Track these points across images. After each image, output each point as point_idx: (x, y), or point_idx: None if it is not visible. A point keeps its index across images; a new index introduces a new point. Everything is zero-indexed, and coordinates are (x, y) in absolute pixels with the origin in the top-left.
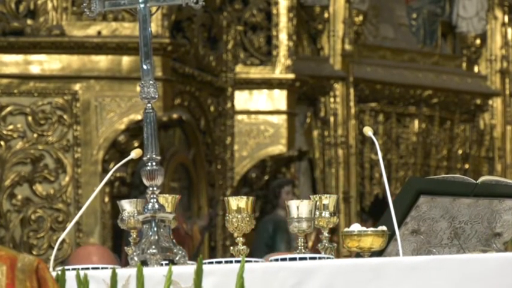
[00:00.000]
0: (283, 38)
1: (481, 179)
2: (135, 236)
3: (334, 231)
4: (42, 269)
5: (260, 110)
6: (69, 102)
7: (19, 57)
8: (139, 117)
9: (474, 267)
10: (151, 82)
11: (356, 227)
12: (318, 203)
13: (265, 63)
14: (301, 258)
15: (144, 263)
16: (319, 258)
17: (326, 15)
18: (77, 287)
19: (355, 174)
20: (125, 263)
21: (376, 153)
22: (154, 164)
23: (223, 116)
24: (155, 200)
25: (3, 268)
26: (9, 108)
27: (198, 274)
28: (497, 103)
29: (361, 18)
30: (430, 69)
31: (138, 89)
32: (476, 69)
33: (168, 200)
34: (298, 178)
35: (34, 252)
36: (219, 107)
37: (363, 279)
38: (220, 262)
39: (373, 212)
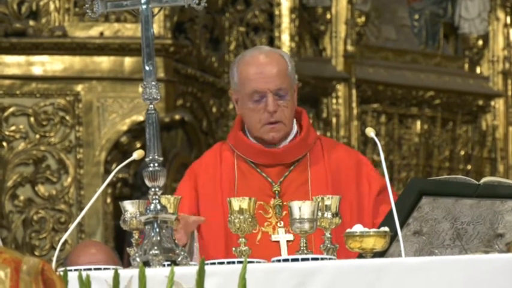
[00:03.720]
0: (285, 39)
1: (483, 180)
2: (137, 237)
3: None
4: (47, 270)
5: None
6: (72, 103)
7: (21, 58)
8: (141, 118)
9: (476, 268)
10: (153, 83)
11: (358, 227)
12: (320, 203)
13: None
14: (303, 259)
15: (146, 264)
16: (321, 259)
17: (328, 16)
18: None
19: None
20: (127, 264)
21: (379, 154)
22: (156, 165)
23: (226, 117)
24: (157, 201)
25: (8, 271)
26: (11, 109)
27: (200, 275)
28: (499, 104)
29: (363, 19)
30: (432, 71)
31: (140, 90)
32: (478, 70)
33: (170, 201)
34: None
35: (36, 253)
36: (221, 108)
37: (365, 280)
38: (222, 263)
39: None
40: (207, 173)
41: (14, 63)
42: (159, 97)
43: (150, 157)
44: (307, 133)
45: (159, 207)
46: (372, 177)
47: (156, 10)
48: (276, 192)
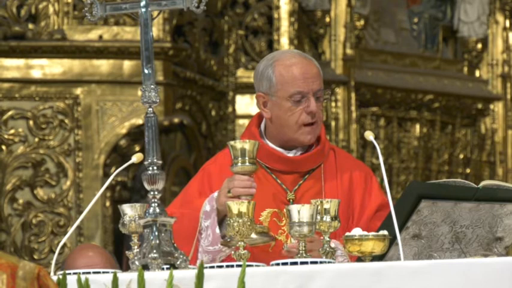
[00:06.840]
0: (284, 43)
1: (482, 183)
2: (136, 240)
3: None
4: (43, 276)
5: None
6: (71, 106)
7: (20, 62)
8: (140, 121)
9: (475, 272)
10: (152, 86)
11: (357, 231)
12: (319, 207)
13: None
14: (302, 263)
15: (145, 267)
16: (320, 262)
17: (327, 19)
18: None
19: None
20: (126, 268)
21: (378, 158)
22: (155, 168)
23: (225, 120)
24: (156, 204)
25: (4, 277)
26: (10, 113)
27: (199, 278)
28: (498, 107)
29: (362, 22)
30: (431, 74)
31: (139, 93)
32: (477, 73)
33: (251, 144)
34: None
35: (35, 257)
36: (220, 111)
37: (364, 284)
38: (221, 266)
39: None
40: (221, 174)
41: (13, 67)
42: (158, 100)
43: (149, 160)
44: (324, 143)
45: (158, 210)
46: (375, 191)
47: (155, 13)
48: (291, 200)
